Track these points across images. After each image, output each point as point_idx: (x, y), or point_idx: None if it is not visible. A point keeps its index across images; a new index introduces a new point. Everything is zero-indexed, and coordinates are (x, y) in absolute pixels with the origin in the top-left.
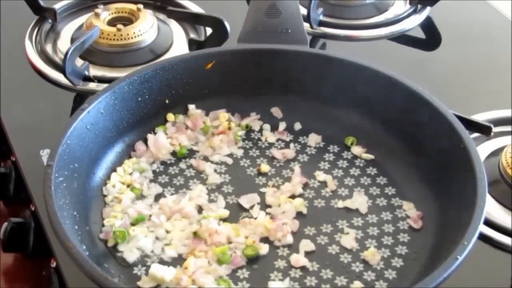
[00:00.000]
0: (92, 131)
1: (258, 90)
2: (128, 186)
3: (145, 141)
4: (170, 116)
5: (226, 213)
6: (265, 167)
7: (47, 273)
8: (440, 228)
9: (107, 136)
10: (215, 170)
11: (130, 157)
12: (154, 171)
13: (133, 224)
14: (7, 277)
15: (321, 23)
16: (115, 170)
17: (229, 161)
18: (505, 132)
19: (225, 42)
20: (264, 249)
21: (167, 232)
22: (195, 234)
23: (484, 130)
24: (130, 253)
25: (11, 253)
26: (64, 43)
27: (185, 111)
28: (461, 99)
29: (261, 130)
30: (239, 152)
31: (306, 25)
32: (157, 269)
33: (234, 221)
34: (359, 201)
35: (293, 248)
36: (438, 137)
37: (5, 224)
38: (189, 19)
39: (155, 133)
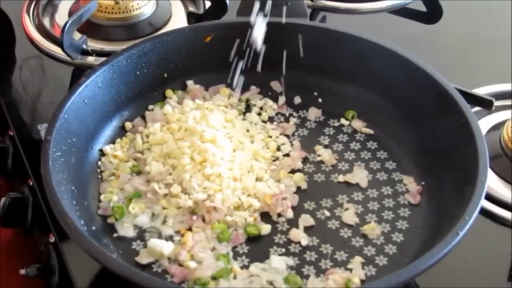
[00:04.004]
0: (90, 105)
1: (257, 63)
2: (126, 161)
3: (143, 118)
4: (169, 92)
5: None
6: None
7: (45, 248)
8: (441, 203)
9: (105, 111)
10: None
11: (128, 132)
12: None
13: (130, 200)
14: (5, 252)
15: None
16: (113, 145)
17: None
18: (507, 106)
19: (224, 15)
20: (265, 229)
21: (164, 208)
22: (192, 212)
23: (485, 104)
24: (127, 229)
25: (9, 228)
26: (61, 16)
27: (183, 87)
28: (462, 72)
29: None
30: None
31: None
32: (155, 244)
33: None
34: (359, 175)
35: (292, 223)
36: (439, 111)
37: (4, 199)
38: None
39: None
